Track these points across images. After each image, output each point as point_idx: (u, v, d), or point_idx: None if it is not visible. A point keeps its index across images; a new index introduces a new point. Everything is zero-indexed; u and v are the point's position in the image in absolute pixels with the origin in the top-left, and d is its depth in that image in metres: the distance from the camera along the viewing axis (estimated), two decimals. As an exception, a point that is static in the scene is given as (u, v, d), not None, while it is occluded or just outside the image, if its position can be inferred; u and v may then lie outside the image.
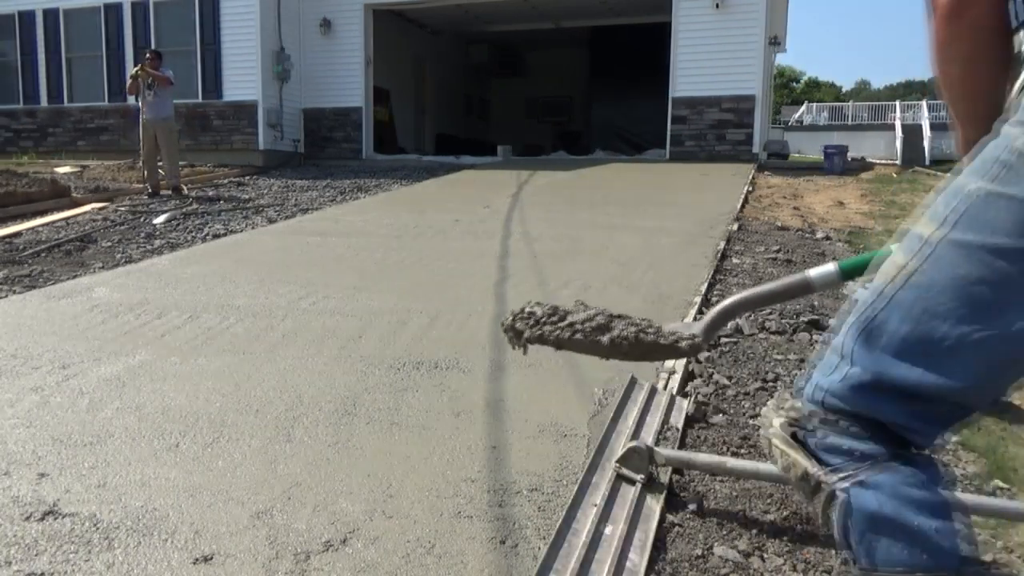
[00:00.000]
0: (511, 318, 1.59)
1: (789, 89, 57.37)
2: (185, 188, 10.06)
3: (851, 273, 1.35)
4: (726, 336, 3.42)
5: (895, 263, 0.98)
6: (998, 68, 1.00)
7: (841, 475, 0.96)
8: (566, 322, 1.52)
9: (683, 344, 1.48)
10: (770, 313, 3.77)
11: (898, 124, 25.70)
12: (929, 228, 0.95)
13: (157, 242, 6.39)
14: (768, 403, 1.09)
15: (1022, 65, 0.94)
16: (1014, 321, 0.87)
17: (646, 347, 1.49)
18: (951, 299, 0.91)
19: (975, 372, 0.92)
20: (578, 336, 1.50)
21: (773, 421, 1.07)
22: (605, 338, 1.49)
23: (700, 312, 3.76)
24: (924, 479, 0.94)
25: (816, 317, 3.67)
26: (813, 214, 7.38)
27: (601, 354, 1.52)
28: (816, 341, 3.40)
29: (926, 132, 25.01)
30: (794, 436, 1.04)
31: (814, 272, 1.40)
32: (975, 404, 0.99)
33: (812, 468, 0.99)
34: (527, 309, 1.57)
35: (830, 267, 1.39)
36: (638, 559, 1.77)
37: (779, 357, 3.18)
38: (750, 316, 3.68)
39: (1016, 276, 0.86)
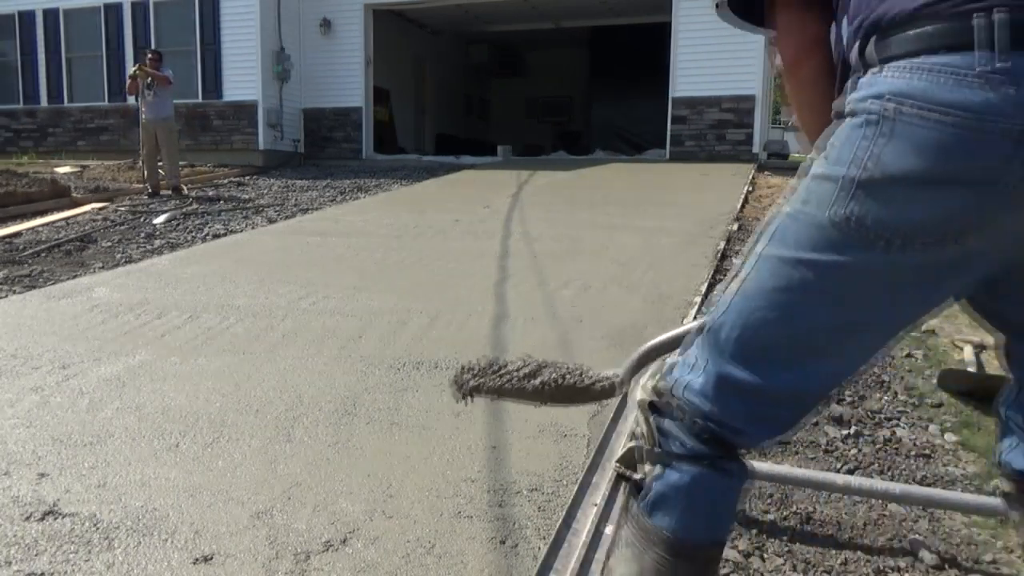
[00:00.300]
0: (457, 373, 1.72)
1: (789, 89, 57.26)
2: (185, 188, 10.06)
3: None
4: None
5: (734, 274, 1.12)
6: (827, 86, 1.18)
7: (667, 457, 1.14)
8: (499, 373, 1.69)
9: (598, 387, 1.61)
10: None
11: (898, 124, 25.68)
12: (759, 245, 1.09)
13: (157, 242, 6.39)
14: (654, 367, 1.23)
15: (834, 111, 1.08)
16: (810, 321, 1.03)
17: (568, 391, 1.64)
18: (764, 306, 1.06)
19: (787, 371, 1.06)
20: (508, 385, 1.65)
21: (645, 386, 1.20)
22: (531, 385, 1.63)
23: (700, 312, 3.76)
24: (725, 486, 1.13)
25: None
26: (813, 214, 7.32)
27: (532, 400, 1.63)
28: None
29: (926, 132, 24.99)
30: (653, 406, 1.17)
31: None
32: (799, 404, 1.11)
33: (651, 443, 1.16)
34: (468, 365, 1.71)
35: None
36: (638, 559, 1.77)
37: (779, 357, 3.18)
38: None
39: (805, 282, 1.01)
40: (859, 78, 1.04)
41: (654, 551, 1.14)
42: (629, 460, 2.05)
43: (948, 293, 1.07)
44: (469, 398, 1.65)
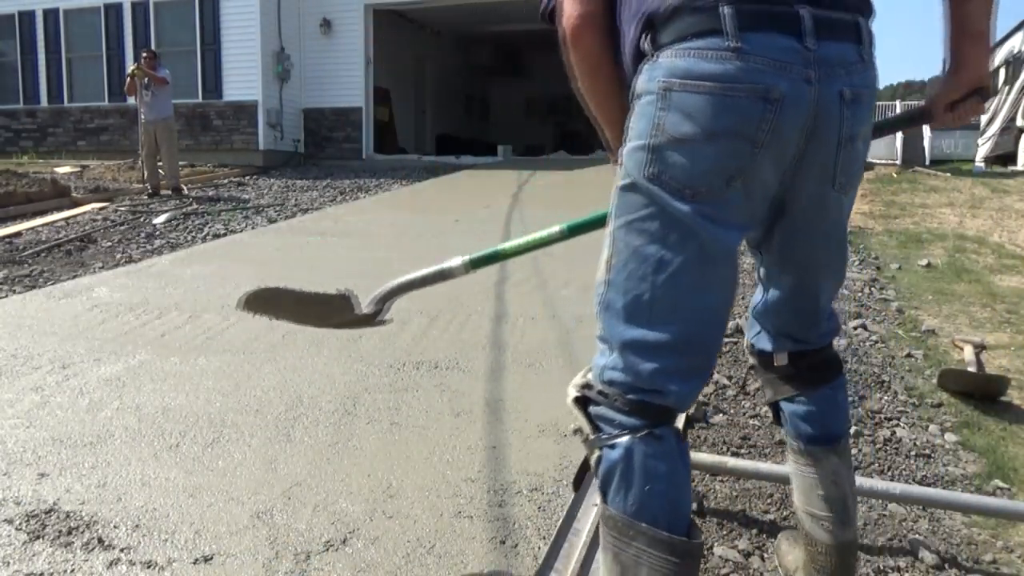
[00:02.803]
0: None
1: (789, 89, 57.23)
2: (185, 188, 10.07)
3: (481, 263, 1.75)
4: (726, 336, 3.42)
5: (602, 258, 1.29)
6: (613, 84, 1.37)
7: (604, 439, 1.23)
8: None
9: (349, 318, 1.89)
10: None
11: (898, 124, 25.66)
12: (609, 226, 1.28)
13: (157, 242, 6.39)
14: (578, 374, 1.32)
15: (631, 97, 1.28)
16: (668, 266, 1.20)
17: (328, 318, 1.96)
18: (632, 269, 1.23)
19: (672, 317, 1.21)
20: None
21: (575, 384, 1.31)
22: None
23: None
24: (658, 451, 1.20)
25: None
26: (813, 214, 7.33)
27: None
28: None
29: (926, 132, 25.01)
30: (584, 401, 1.28)
31: (452, 263, 1.79)
32: (698, 347, 1.24)
33: (589, 432, 1.26)
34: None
35: (459, 260, 1.77)
36: (638, 559, 1.77)
37: (779, 357, 3.18)
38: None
39: (651, 236, 1.21)
40: (642, 65, 1.25)
41: (617, 541, 1.21)
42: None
43: (736, 236, 1.25)
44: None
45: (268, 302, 1.94)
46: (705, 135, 1.17)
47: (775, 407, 1.58)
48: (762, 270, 1.48)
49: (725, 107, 1.16)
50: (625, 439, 1.21)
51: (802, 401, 1.52)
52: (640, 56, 1.26)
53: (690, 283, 1.21)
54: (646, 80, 1.24)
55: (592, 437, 1.25)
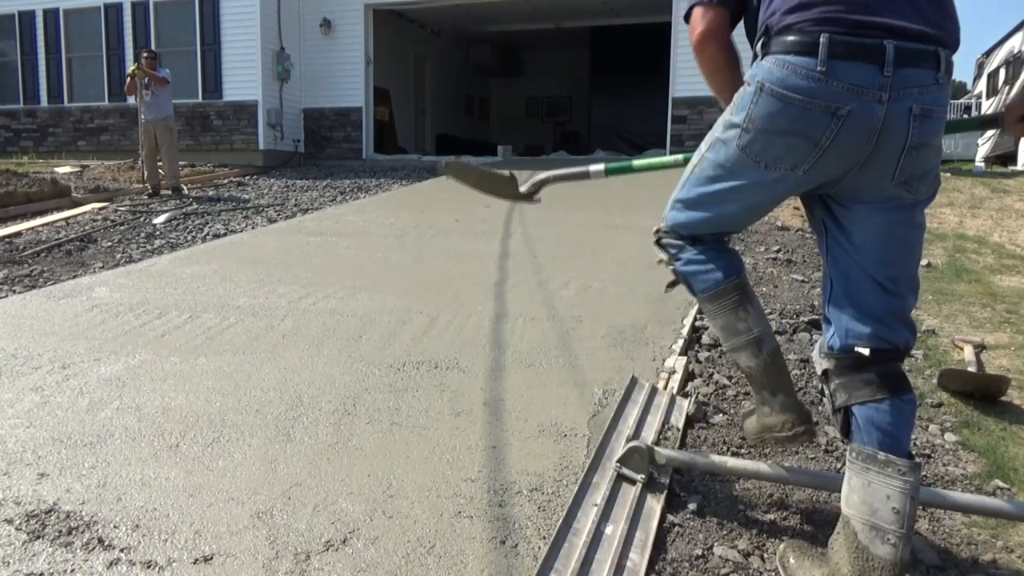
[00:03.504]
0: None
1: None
2: (185, 188, 10.06)
3: (615, 171, 2.27)
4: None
5: (691, 164, 1.81)
6: (729, 77, 1.75)
7: (673, 255, 1.89)
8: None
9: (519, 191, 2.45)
10: (770, 314, 3.77)
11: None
12: (703, 150, 1.77)
13: (157, 242, 6.39)
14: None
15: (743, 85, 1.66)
16: (724, 191, 1.70)
17: (500, 186, 2.56)
18: (703, 180, 1.75)
19: (708, 208, 1.77)
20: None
21: (656, 229, 1.94)
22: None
23: (700, 312, 3.76)
24: (706, 247, 1.83)
25: (816, 317, 3.67)
26: (813, 214, 7.32)
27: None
28: (816, 341, 3.39)
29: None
30: (659, 242, 1.93)
31: (593, 167, 2.30)
32: (726, 226, 1.82)
33: (664, 256, 1.92)
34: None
35: (600, 166, 2.29)
36: (638, 559, 1.77)
37: (779, 357, 3.18)
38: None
39: (724, 174, 1.69)
40: (753, 62, 1.64)
41: (708, 306, 1.85)
42: (629, 460, 2.06)
43: (787, 194, 1.70)
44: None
45: (459, 172, 2.70)
46: (782, 131, 1.57)
47: (847, 413, 1.61)
48: (834, 251, 1.69)
49: (802, 115, 1.53)
50: (685, 251, 1.85)
51: (881, 408, 1.57)
52: (756, 55, 1.65)
53: (735, 214, 1.76)
54: (751, 74, 1.63)
55: (667, 255, 1.91)
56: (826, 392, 1.68)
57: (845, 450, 2.39)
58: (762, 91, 1.56)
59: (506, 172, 2.49)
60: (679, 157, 2.09)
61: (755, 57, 1.65)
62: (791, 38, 1.52)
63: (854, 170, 1.56)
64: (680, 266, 1.87)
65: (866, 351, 1.59)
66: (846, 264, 1.65)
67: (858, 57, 1.47)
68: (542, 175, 2.38)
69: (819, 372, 1.72)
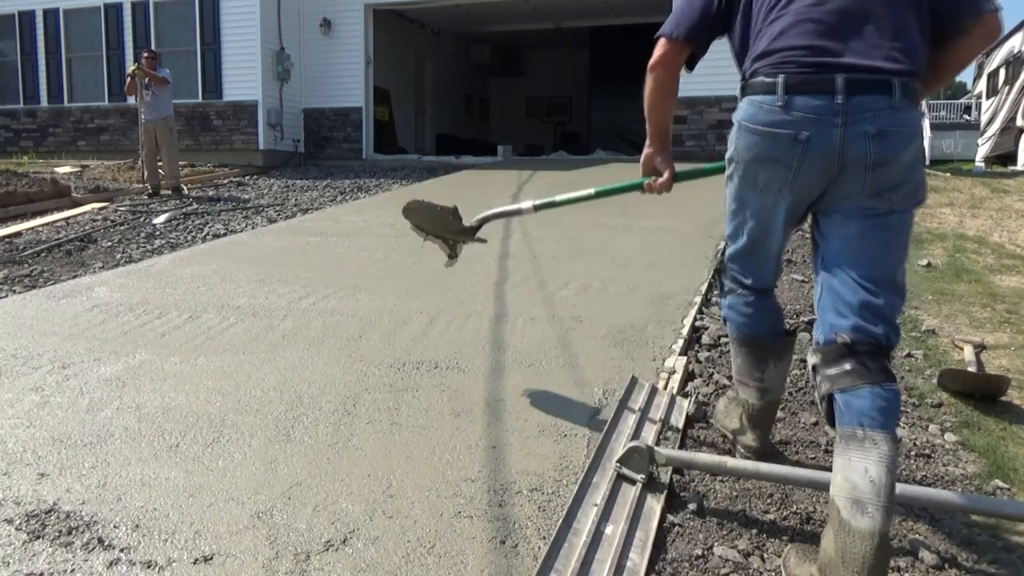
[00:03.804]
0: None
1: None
2: (185, 188, 10.06)
3: (542, 207, 2.52)
4: (726, 336, 3.41)
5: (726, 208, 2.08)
6: (662, 102, 2.14)
7: (724, 293, 2.18)
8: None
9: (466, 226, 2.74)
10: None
11: (898, 124, 25.63)
12: (725, 192, 2.05)
13: (157, 242, 6.39)
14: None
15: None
16: (740, 219, 2.00)
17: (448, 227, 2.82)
18: (728, 217, 2.05)
19: (739, 240, 2.04)
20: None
21: (718, 262, 2.26)
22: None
23: (700, 312, 3.76)
24: (751, 300, 2.10)
25: (815, 317, 3.66)
26: (813, 214, 7.32)
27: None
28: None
29: (926, 132, 24.96)
30: (720, 272, 2.21)
31: (524, 204, 2.57)
32: (754, 259, 2.05)
33: (717, 291, 2.24)
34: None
35: (530, 203, 2.56)
36: (638, 559, 1.77)
37: (779, 357, 3.18)
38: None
39: (737, 203, 1.99)
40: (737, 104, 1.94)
41: (734, 347, 2.19)
42: (629, 460, 2.06)
43: (787, 216, 1.91)
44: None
45: (413, 214, 2.84)
46: (762, 160, 1.85)
47: (830, 401, 1.73)
48: (818, 264, 1.89)
49: (772, 144, 1.81)
50: (730, 296, 2.14)
51: (860, 394, 1.67)
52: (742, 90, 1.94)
53: (758, 233, 1.98)
54: (735, 115, 1.93)
55: (719, 294, 2.24)
56: (814, 384, 1.80)
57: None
58: (740, 128, 1.87)
59: (449, 204, 2.76)
60: (592, 191, 2.45)
61: (742, 91, 1.94)
62: (757, 80, 1.83)
63: (831, 187, 1.79)
64: (724, 305, 2.18)
65: (847, 339, 1.72)
66: (830, 268, 1.82)
67: (811, 90, 1.74)
68: (485, 213, 2.70)
69: (809, 368, 1.83)
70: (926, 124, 23.23)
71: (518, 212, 2.60)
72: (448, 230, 2.84)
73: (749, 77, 1.87)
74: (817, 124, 1.72)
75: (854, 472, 1.59)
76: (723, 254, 2.16)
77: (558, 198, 2.50)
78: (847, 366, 1.70)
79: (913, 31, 1.77)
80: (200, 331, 3.53)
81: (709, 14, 2.00)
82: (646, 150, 2.20)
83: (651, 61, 2.06)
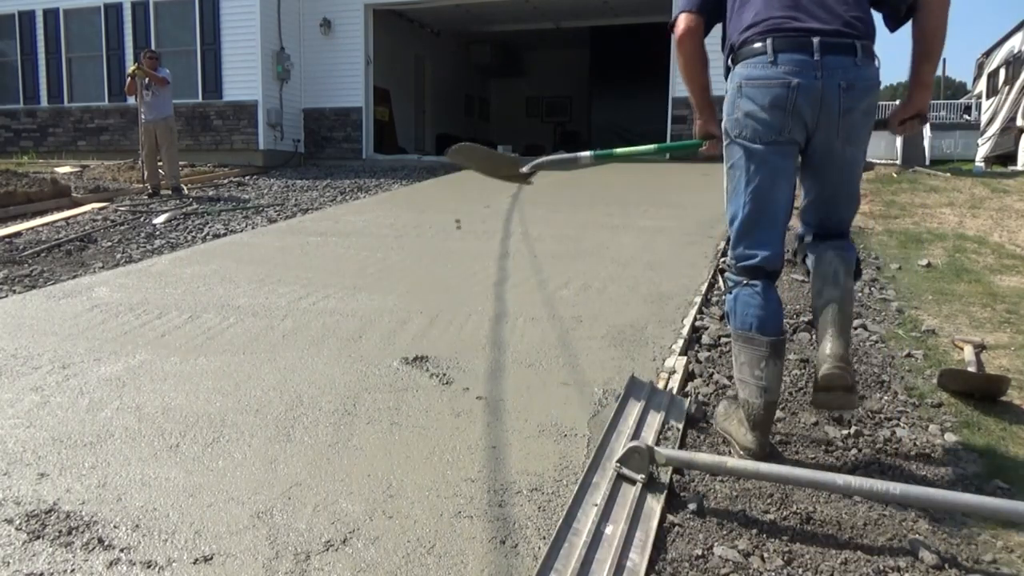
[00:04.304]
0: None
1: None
2: (185, 188, 10.06)
3: (600, 157, 2.69)
4: (726, 336, 3.42)
5: (725, 184, 2.36)
6: (699, 71, 2.39)
7: (729, 288, 2.31)
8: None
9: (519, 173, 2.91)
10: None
11: (898, 124, 25.65)
12: (724, 167, 2.36)
13: (157, 242, 6.39)
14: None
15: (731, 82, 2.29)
16: (744, 184, 2.24)
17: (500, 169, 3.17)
18: (730, 191, 2.31)
19: (746, 207, 2.24)
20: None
21: (725, 260, 2.60)
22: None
23: (700, 312, 3.76)
24: (756, 292, 2.23)
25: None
26: (813, 214, 7.32)
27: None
28: (815, 341, 3.39)
29: (926, 132, 24.93)
30: (724, 273, 2.50)
31: (582, 154, 2.70)
32: (771, 224, 2.25)
33: (723, 286, 2.49)
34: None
35: (588, 153, 2.68)
36: (638, 559, 1.77)
37: (779, 357, 3.18)
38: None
39: (740, 168, 2.25)
40: (728, 71, 2.30)
41: (735, 343, 2.30)
42: (629, 460, 2.06)
43: (783, 163, 2.23)
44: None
45: (465, 153, 3.09)
46: (762, 107, 2.18)
47: (803, 258, 2.45)
48: (803, 186, 2.37)
49: (768, 92, 2.17)
50: (735, 289, 2.28)
51: (823, 247, 2.37)
52: (728, 68, 2.31)
53: (764, 188, 2.22)
54: (729, 82, 2.27)
55: (725, 288, 2.38)
56: (797, 250, 2.48)
57: (845, 450, 2.39)
58: (740, 88, 2.23)
59: (512, 153, 3.05)
60: (652, 147, 2.73)
61: (727, 70, 2.32)
62: (748, 47, 2.21)
63: (813, 134, 2.20)
64: (730, 300, 2.31)
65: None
66: (809, 191, 2.37)
67: (794, 49, 2.14)
68: (539, 159, 2.83)
69: (798, 247, 2.48)
70: (925, 125, 23.29)
71: (575, 160, 2.71)
72: (500, 172, 3.10)
73: (740, 46, 2.24)
74: (801, 74, 2.12)
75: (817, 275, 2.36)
76: (729, 242, 2.42)
77: (617, 151, 2.71)
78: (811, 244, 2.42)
79: (864, 3, 2.23)
80: (200, 331, 3.53)
81: None
82: (697, 121, 2.48)
83: (677, 35, 2.34)
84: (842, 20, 2.15)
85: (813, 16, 2.15)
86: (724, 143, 2.31)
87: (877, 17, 2.29)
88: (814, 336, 3.42)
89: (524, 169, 2.83)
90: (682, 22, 2.33)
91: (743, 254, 2.26)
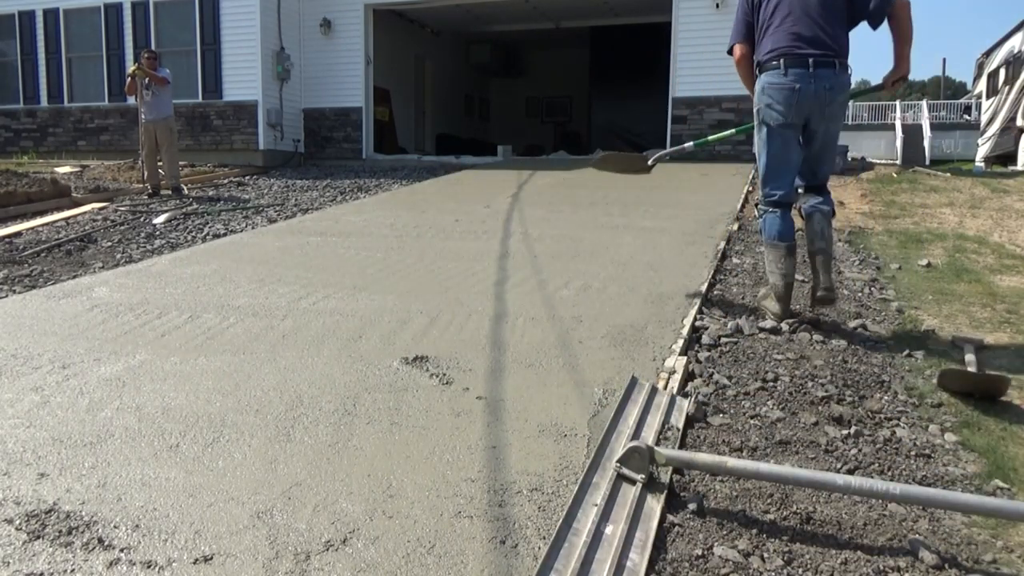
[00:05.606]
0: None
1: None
2: (185, 188, 10.06)
3: (700, 144, 4.30)
4: (726, 336, 3.42)
5: (756, 144, 3.75)
6: (751, 79, 3.71)
7: (761, 214, 3.68)
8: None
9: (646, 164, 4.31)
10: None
11: (898, 124, 25.69)
12: (754, 136, 3.76)
13: (157, 242, 6.39)
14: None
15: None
16: (770, 149, 3.61)
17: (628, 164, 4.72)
18: (762, 150, 3.66)
19: (774, 163, 3.61)
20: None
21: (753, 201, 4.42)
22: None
23: (700, 312, 3.76)
24: (777, 216, 3.59)
25: (815, 317, 3.67)
26: (813, 214, 7.32)
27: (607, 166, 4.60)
28: (815, 341, 3.40)
29: (926, 132, 24.98)
30: (757, 205, 3.76)
31: (688, 144, 4.28)
32: (783, 174, 3.61)
33: (756, 212, 3.82)
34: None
35: (691, 144, 4.27)
36: (638, 559, 1.77)
37: (779, 357, 3.18)
38: (750, 316, 3.68)
39: (767, 139, 3.60)
40: (758, 76, 3.63)
41: (765, 248, 3.69)
42: (629, 460, 2.06)
43: (794, 136, 3.55)
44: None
45: (606, 161, 4.53)
46: (778, 101, 3.47)
47: (799, 208, 3.66)
48: (803, 152, 3.58)
49: (780, 92, 3.46)
50: (765, 215, 3.61)
51: (809, 197, 3.66)
52: (755, 76, 3.64)
53: (779, 151, 3.56)
54: (757, 85, 3.60)
55: (758, 214, 3.67)
56: (801, 204, 3.65)
57: (845, 450, 2.39)
58: (764, 89, 3.54)
59: (642, 153, 4.11)
60: (732, 131, 4.29)
61: (756, 76, 3.62)
62: (769, 63, 3.52)
63: (809, 118, 3.49)
64: (762, 222, 3.63)
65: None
66: (806, 159, 3.62)
67: (797, 65, 3.44)
68: (659, 154, 4.32)
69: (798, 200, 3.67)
70: (926, 124, 23.34)
71: (683, 150, 4.29)
72: (632, 169, 4.54)
73: (763, 63, 3.54)
74: (801, 81, 3.42)
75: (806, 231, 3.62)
76: (759, 186, 3.69)
77: (711, 138, 4.34)
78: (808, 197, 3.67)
79: (843, 33, 3.49)
80: (200, 331, 3.53)
81: (745, 25, 3.68)
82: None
83: (735, 59, 3.72)
84: (827, 47, 3.42)
85: (809, 44, 3.43)
86: (756, 122, 3.62)
87: (858, 30, 3.56)
88: (814, 337, 3.45)
89: (649, 163, 4.25)
90: (737, 51, 3.69)
91: (769, 193, 3.58)
